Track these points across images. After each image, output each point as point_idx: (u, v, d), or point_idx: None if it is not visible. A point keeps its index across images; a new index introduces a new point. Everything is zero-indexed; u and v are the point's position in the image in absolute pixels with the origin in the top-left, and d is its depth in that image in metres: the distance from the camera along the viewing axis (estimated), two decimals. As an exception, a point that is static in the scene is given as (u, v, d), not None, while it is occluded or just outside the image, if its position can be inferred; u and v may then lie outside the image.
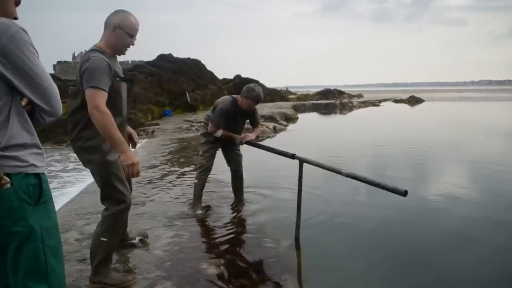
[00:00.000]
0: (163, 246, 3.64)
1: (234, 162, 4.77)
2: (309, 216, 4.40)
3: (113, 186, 2.66)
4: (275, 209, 4.86)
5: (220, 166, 4.84)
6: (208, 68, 26.44)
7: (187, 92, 21.30)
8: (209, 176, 4.75)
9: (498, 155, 9.14)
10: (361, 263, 3.53)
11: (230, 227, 4.24)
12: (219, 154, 4.75)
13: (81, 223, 4.33)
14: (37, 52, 1.53)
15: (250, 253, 3.63)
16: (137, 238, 3.62)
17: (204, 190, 4.72)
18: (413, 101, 38.36)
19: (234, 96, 4.63)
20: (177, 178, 6.54)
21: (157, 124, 15.34)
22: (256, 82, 30.64)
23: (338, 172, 3.42)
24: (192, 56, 26.72)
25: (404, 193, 2.89)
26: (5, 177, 1.42)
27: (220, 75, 28.91)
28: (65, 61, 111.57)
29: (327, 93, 39.24)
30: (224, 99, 4.63)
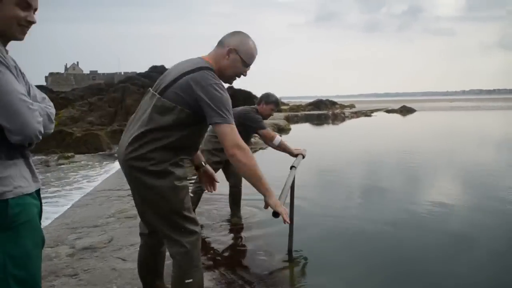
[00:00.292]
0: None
1: (235, 178, 4.64)
2: (303, 227, 4.38)
3: (184, 215, 2.22)
4: (269, 221, 4.83)
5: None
6: (201, 79, 26.46)
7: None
8: None
9: (491, 162, 9.21)
10: (356, 274, 3.50)
11: (224, 239, 4.21)
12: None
13: (72, 237, 4.28)
14: (5, 66, 1.43)
15: (244, 266, 3.60)
16: None
17: (199, 201, 4.67)
18: (405, 111, 38.68)
19: (252, 106, 4.50)
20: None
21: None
22: (248, 93, 30.72)
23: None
24: (185, 67, 26.73)
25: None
26: None
27: (212, 86, 28.92)
28: (57, 73, 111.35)
29: (319, 103, 39.49)
30: (245, 108, 4.44)
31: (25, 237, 1.49)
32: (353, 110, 39.69)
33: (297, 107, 38.50)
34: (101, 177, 8.93)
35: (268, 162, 7.48)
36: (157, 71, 24.37)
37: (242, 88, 30.59)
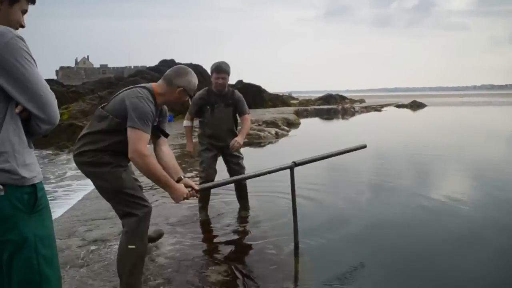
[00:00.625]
0: (165, 253, 3.63)
1: (238, 174, 4.50)
2: (310, 221, 4.39)
3: (127, 193, 2.63)
4: (278, 214, 4.84)
5: (225, 171, 4.81)
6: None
7: (189, 98, 21.30)
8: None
9: (503, 158, 9.11)
10: (363, 268, 3.51)
11: (232, 234, 4.23)
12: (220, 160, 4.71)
13: (83, 229, 4.33)
14: (33, 60, 1.52)
15: (252, 260, 3.62)
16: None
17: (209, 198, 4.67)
18: (415, 106, 38.35)
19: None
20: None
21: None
22: (258, 87, 30.71)
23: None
24: (194, 61, 26.88)
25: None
26: None
27: (222, 81, 28.99)
28: (67, 67, 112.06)
29: (329, 98, 39.29)
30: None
31: (48, 219, 1.62)
32: (363, 104, 39.46)
33: (307, 102, 38.38)
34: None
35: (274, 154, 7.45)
36: (167, 65, 24.40)
37: (252, 83, 30.63)
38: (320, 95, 43.97)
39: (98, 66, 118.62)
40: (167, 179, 2.55)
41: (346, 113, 29.51)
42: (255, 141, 12.25)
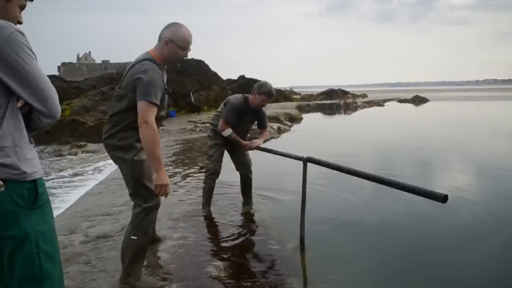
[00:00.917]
0: (169, 248, 3.62)
1: (244, 168, 4.68)
2: (315, 217, 4.36)
3: (143, 184, 2.70)
4: (281, 210, 4.83)
5: (226, 167, 4.80)
6: (212, 68, 26.48)
7: (191, 93, 21.30)
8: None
9: (504, 153, 9.07)
10: (368, 264, 3.50)
11: (236, 229, 4.21)
12: (227, 156, 4.70)
13: (86, 225, 4.32)
14: (34, 54, 1.50)
15: (255, 255, 3.61)
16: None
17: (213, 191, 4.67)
18: (418, 100, 38.26)
19: (246, 95, 4.47)
20: (181, 179, 6.52)
21: (161, 125, 15.34)
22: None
23: (357, 174, 3.16)
24: (196, 57, 26.80)
25: (444, 199, 2.49)
26: None
27: (224, 76, 28.94)
28: (69, 62, 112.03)
29: (331, 93, 39.18)
30: (236, 95, 4.52)
31: (49, 214, 1.60)
32: (365, 99, 39.37)
33: (309, 97, 38.29)
34: (114, 166, 8.98)
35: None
36: (169, 60, 24.36)
37: (254, 78, 30.55)
38: (322, 90, 43.86)
39: (100, 62, 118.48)
40: (161, 161, 2.60)
41: (349, 108, 29.45)
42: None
